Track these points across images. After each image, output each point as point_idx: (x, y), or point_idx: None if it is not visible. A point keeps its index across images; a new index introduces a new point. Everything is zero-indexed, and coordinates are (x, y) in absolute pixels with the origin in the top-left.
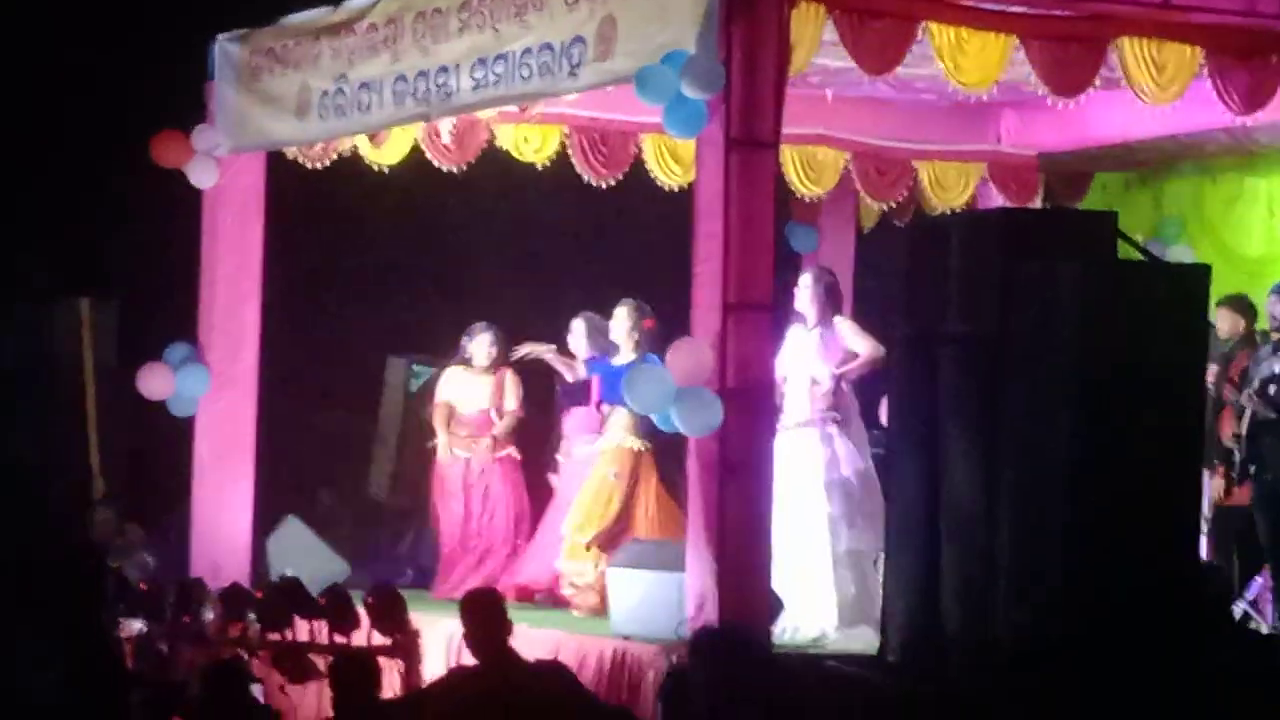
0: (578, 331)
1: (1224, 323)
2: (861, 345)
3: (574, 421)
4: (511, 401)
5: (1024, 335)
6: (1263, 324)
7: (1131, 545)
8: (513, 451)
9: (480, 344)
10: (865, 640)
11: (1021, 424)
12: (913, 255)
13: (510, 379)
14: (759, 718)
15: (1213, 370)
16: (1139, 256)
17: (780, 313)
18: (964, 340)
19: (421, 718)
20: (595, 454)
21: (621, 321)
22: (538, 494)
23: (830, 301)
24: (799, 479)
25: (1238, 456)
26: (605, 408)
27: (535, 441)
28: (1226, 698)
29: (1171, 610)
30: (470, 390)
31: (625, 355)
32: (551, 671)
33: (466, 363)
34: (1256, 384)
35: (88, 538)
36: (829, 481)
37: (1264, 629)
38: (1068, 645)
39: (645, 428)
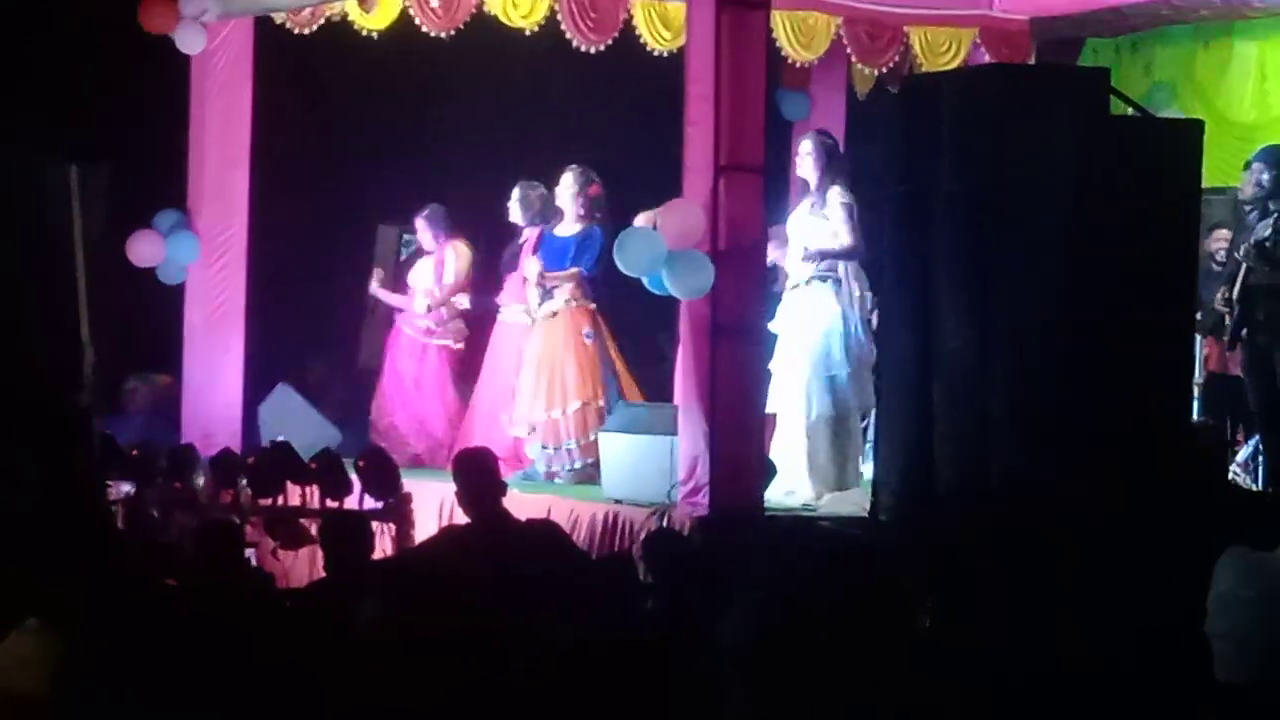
0: (514, 199)
1: (1248, 187)
2: (840, 235)
3: (509, 290)
4: (448, 276)
5: (1017, 192)
6: None
7: (1124, 400)
8: (447, 341)
9: (420, 228)
10: (856, 504)
11: (1014, 281)
12: (905, 113)
13: (449, 254)
14: (748, 576)
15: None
16: (1132, 113)
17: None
18: (957, 198)
19: (414, 575)
20: (535, 323)
21: (567, 187)
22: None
23: (830, 166)
24: (790, 342)
25: (1228, 321)
26: (545, 274)
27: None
28: (1213, 546)
29: (1164, 462)
30: (419, 271)
31: (569, 222)
32: (543, 529)
33: None
34: (1251, 245)
35: (77, 402)
36: (814, 342)
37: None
38: (1060, 496)
39: (590, 293)
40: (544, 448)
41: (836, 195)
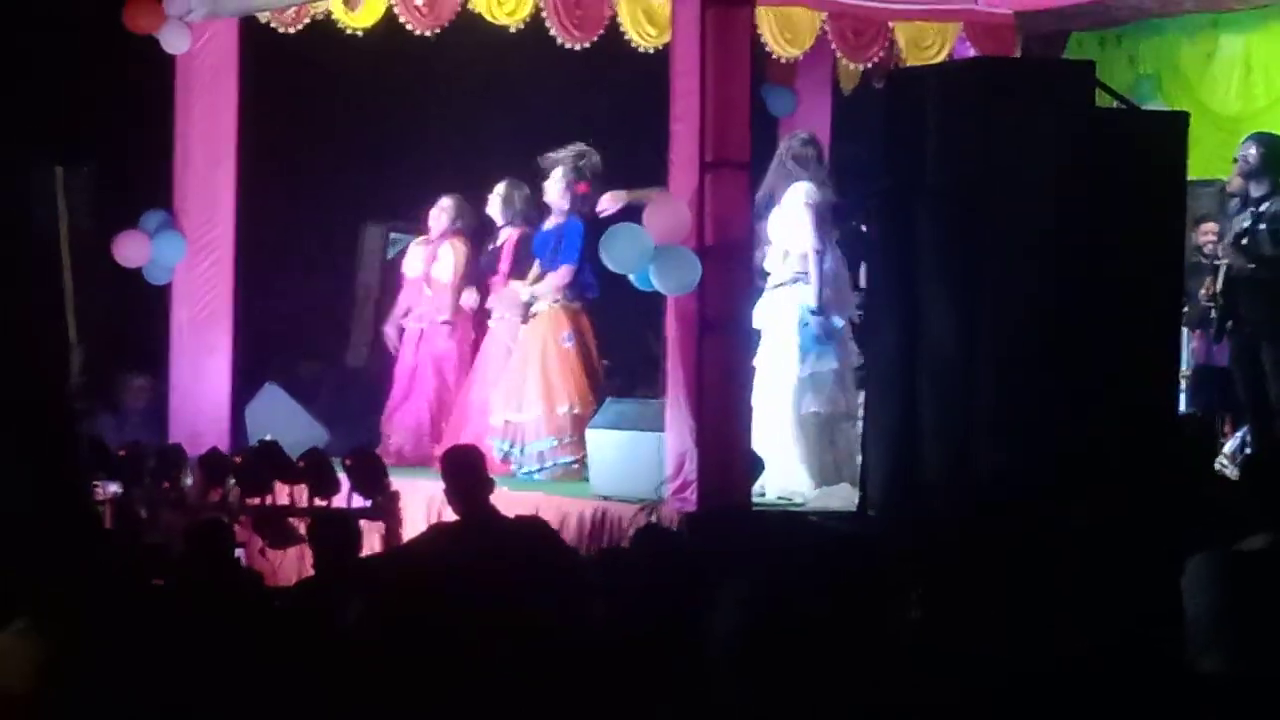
0: (496, 194)
1: (1236, 176)
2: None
3: (497, 294)
4: (443, 273)
5: (1002, 186)
6: None
7: (1110, 391)
8: (446, 325)
9: (433, 213)
10: (844, 498)
11: (1000, 274)
12: (891, 107)
13: (446, 249)
14: (737, 571)
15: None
16: (1117, 105)
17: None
18: (942, 191)
19: (403, 572)
20: (519, 321)
21: (556, 183)
22: None
23: (797, 165)
24: (776, 340)
25: (1214, 315)
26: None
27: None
28: (1201, 539)
29: (1149, 454)
30: (414, 259)
31: (554, 217)
32: (531, 526)
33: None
34: (1230, 238)
35: (63, 404)
36: (795, 340)
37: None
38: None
39: (578, 291)
40: (511, 445)
41: (800, 195)
